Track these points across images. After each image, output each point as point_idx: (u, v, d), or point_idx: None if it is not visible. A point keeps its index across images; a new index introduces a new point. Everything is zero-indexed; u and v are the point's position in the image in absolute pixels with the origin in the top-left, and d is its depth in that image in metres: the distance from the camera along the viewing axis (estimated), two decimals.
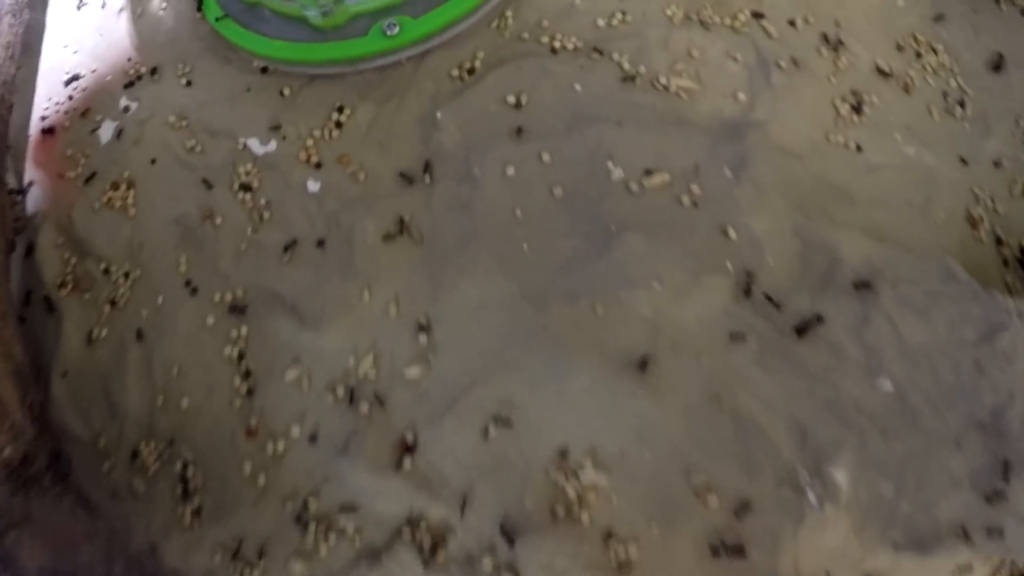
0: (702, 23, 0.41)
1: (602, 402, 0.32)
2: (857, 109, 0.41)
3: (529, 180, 0.36)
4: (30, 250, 0.43)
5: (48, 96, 0.47)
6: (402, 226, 0.36)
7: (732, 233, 0.35)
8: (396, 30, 0.38)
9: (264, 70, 0.42)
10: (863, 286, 0.35)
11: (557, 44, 0.39)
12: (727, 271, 0.35)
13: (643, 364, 0.33)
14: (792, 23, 0.41)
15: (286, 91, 0.41)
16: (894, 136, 0.41)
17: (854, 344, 0.34)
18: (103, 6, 0.48)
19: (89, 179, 0.43)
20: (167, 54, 0.44)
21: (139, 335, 0.39)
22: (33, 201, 0.45)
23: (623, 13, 0.40)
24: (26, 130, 0.46)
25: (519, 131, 0.37)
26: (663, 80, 0.39)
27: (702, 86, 0.39)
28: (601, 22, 0.40)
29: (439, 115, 0.38)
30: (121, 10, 0.47)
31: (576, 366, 0.33)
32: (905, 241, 0.37)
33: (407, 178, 0.37)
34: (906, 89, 0.42)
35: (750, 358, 0.34)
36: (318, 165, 0.39)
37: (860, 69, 0.42)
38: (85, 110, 0.45)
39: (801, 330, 0.34)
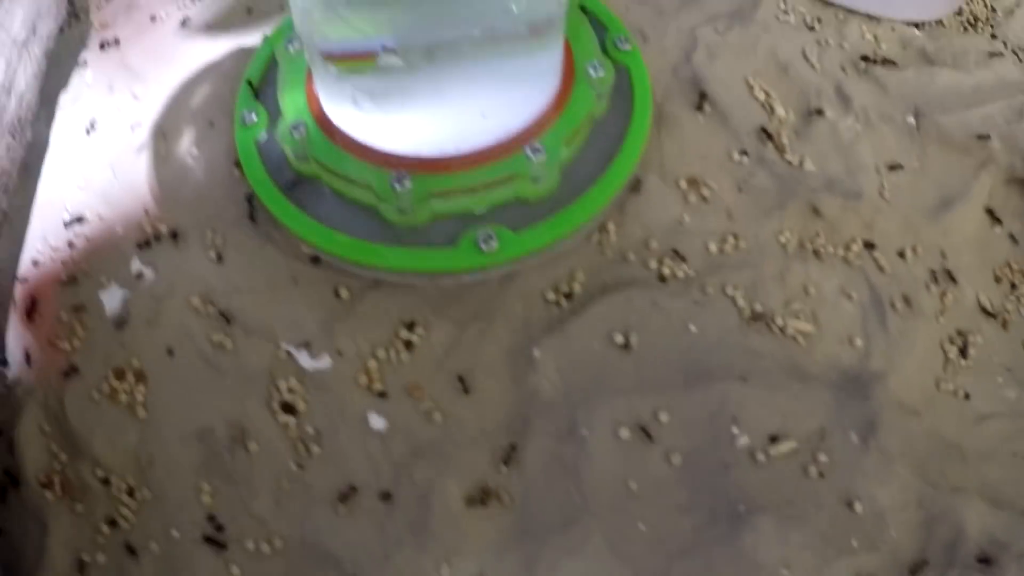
0: (816, 253, 0.38)
1: None
2: (963, 351, 0.39)
3: (645, 444, 0.32)
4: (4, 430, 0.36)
5: (43, 235, 0.40)
6: (491, 489, 0.32)
7: (858, 507, 0.33)
8: (494, 245, 0.33)
9: (315, 259, 0.36)
10: (986, 561, 0.33)
11: (666, 270, 0.36)
12: (853, 550, 0.32)
13: None
14: (902, 254, 0.39)
15: (343, 292, 0.35)
16: (996, 379, 0.39)
17: None
18: (130, 130, 0.41)
19: (87, 358, 0.36)
20: (194, 215, 0.37)
21: (146, 572, 0.33)
22: (14, 365, 0.37)
23: (735, 237, 0.37)
24: (11, 273, 0.39)
25: (632, 382, 0.33)
26: (780, 321, 0.36)
27: (819, 329, 0.36)
28: (713, 246, 0.36)
29: (537, 353, 0.33)
30: (142, 148, 0.40)
31: None
32: (1019, 502, 0.35)
33: (496, 428, 0.33)
34: (1004, 325, 0.41)
35: None
36: (382, 394, 0.34)
37: (964, 305, 0.40)
38: (87, 265, 0.38)
39: None
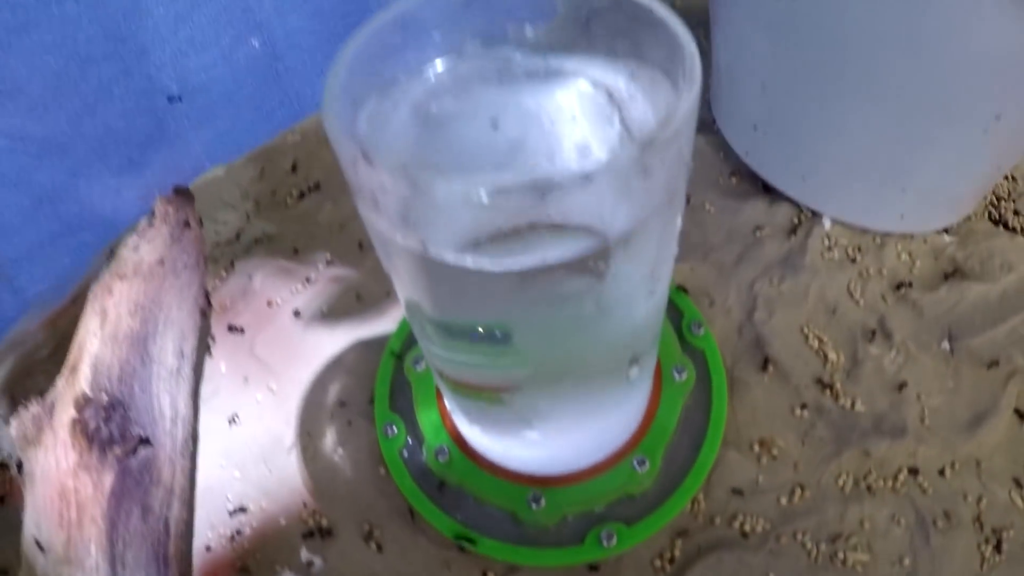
0: (868, 488, 0.51)
1: None
2: (998, 547, 0.52)
3: None
4: None
5: (210, 523, 0.52)
6: None
7: None
8: (614, 541, 0.46)
9: (461, 547, 0.49)
10: None
11: (747, 527, 0.49)
12: None
13: None
14: (942, 472, 0.52)
15: (490, 574, 0.49)
16: None
17: None
18: (275, 425, 0.53)
19: None
20: (350, 509, 0.50)
21: None
22: None
23: (801, 488, 0.50)
24: (189, 561, 0.51)
25: None
26: (841, 555, 0.49)
27: (873, 557, 0.50)
28: (783, 500, 0.50)
29: None
30: (291, 446, 0.52)
31: None
32: None
33: None
34: None
35: None
36: None
37: (997, 506, 0.53)
38: (259, 554, 0.51)
39: None
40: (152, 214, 0.54)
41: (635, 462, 0.47)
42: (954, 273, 0.58)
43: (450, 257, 0.30)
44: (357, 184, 0.31)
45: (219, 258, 0.61)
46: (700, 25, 0.71)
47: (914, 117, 0.51)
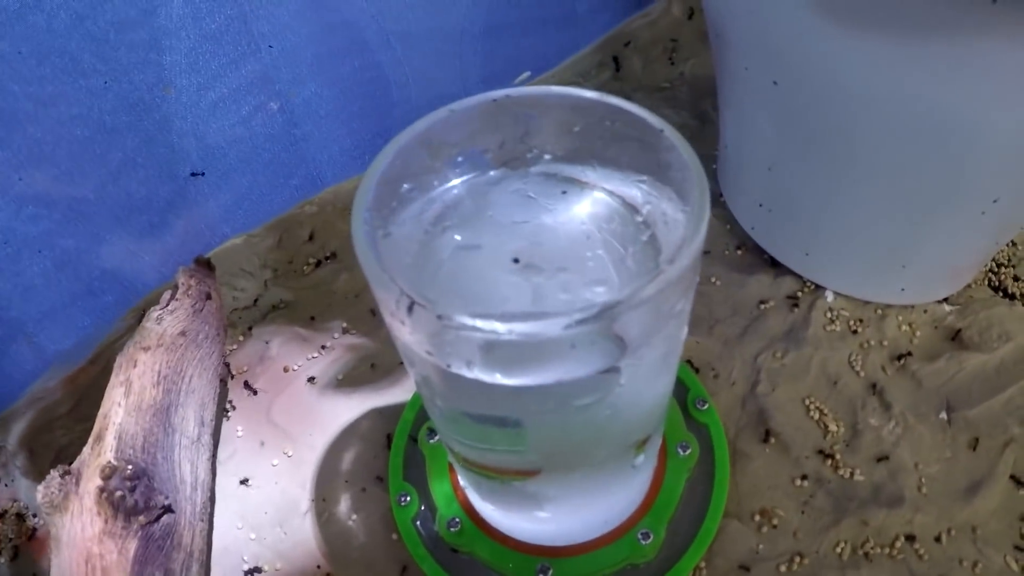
0: (866, 555, 0.54)
1: None
2: None
3: None
4: None
5: None
6: None
7: None
8: None
9: None
10: None
11: None
12: None
13: None
14: (938, 538, 0.56)
15: None
16: None
17: None
18: (291, 489, 0.57)
19: None
20: (363, 573, 0.54)
21: None
22: None
23: (800, 556, 0.54)
24: None
25: None
26: None
27: None
28: (783, 568, 0.53)
29: None
30: (306, 511, 0.56)
31: None
32: None
33: None
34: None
35: None
36: None
37: (992, 570, 0.57)
38: None
39: None
40: (175, 287, 0.57)
41: (639, 535, 0.50)
42: (954, 341, 0.62)
43: (468, 373, 0.34)
44: (386, 303, 0.34)
45: (237, 323, 0.65)
46: (708, 95, 0.76)
47: (914, 201, 0.54)
